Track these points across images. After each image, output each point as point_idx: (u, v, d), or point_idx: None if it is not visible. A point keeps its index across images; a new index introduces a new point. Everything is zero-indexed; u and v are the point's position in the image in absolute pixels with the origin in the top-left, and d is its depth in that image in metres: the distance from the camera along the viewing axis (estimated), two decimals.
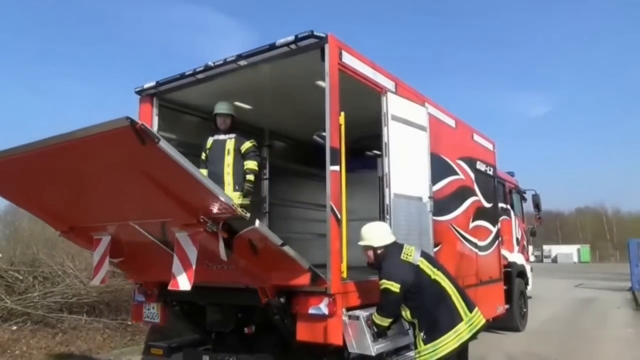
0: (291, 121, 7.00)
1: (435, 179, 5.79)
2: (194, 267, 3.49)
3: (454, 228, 6.47)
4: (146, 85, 5.60)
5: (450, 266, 4.99)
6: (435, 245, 5.58)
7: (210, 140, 5.65)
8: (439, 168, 6.08)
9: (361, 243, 4.31)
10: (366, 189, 7.67)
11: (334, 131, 4.42)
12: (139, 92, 5.70)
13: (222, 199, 3.35)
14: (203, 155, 5.66)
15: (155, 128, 5.64)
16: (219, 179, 5.41)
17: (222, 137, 5.60)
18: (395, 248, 4.20)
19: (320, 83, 5.01)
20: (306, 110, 6.18)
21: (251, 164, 5.45)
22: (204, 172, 5.60)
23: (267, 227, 7.12)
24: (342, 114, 4.52)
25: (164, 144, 3.06)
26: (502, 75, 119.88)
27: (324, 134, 4.54)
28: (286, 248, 3.92)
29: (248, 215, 3.50)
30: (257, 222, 3.60)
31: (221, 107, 5.62)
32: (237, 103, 6.21)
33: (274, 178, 7.40)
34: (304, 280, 4.14)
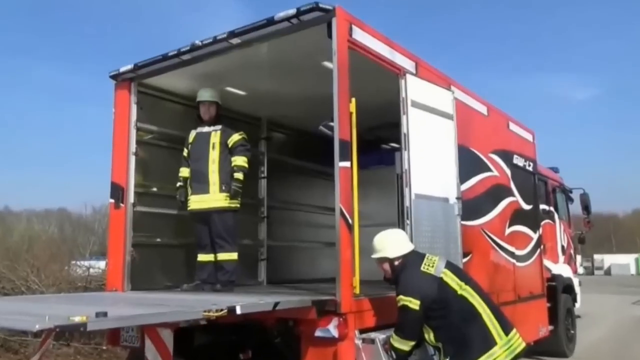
0: (293, 109, 7.03)
1: (464, 177, 5.79)
2: None
3: (487, 234, 6.46)
4: (122, 69, 5.64)
5: (482, 280, 5.00)
6: (465, 254, 5.58)
7: (193, 134, 5.71)
8: (469, 163, 6.07)
9: (375, 256, 4.31)
10: (382, 188, 7.69)
11: (343, 120, 4.44)
12: (114, 77, 5.76)
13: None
14: (185, 151, 5.73)
15: (133, 119, 5.71)
16: (203, 178, 5.48)
17: (206, 129, 5.66)
18: (414, 258, 4.20)
19: (327, 64, 5.02)
20: (310, 96, 6.20)
21: (240, 160, 5.50)
22: (186, 170, 5.67)
23: (266, 233, 7.39)
24: (353, 100, 4.53)
25: None
26: (539, 55, 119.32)
27: (331, 124, 4.55)
28: (283, 302, 3.99)
29: (224, 311, 3.52)
30: (239, 308, 3.63)
31: (204, 94, 5.68)
32: (229, 89, 6.26)
33: (273, 176, 7.45)
34: (308, 314, 4.18)
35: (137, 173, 5.72)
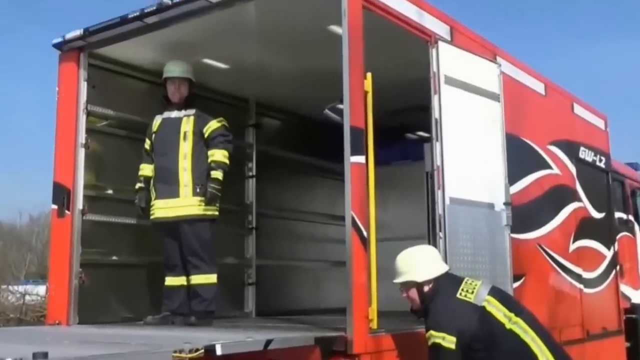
0: (290, 88, 7.05)
1: (514, 176, 5.80)
2: None
3: (545, 251, 6.47)
4: (69, 36, 5.68)
5: (539, 310, 4.97)
6: (516, 277, 5.60)
7: (158, 120, 5.73)
8: (521, 158, 6.08)
9: (398, 280, 4.32)
10: (407, 191, 7.71)
11: (355, 102, 4.45)
12: (58, 46, 5.80)
13: None
14: (147, 143, 5.75)
15: (82, 100, 5.75)
16: (170, 177, 5.49)
17: (175, 114, 5.68)
18: (449, 282, 4.21)
19: (335, 28, 5.04)
20: (313, 70, 6.21)
21: (219, 155, 5.52)
22: (148, 168, 5.70)
23: (254, 250, 7.41)
24: (369, 75, 4.54)
25: None
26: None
27: (340, 106, 4.57)
28: (277, 340, 4.00)
29: (200, 351, 3.54)
30: (219, 347, 3.64)
31: (173, 69, 5.69)
32: (207, 61, 6.29)
33: (265, 175, 7.47)
34: (310, 356, 4.19)
35: (88, 171, 5.75)
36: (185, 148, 5.52)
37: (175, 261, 5.54)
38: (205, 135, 5.56)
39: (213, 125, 5.58)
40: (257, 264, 7.28)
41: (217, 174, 5.47)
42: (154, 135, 5.69)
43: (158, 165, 5.61)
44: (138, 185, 5.73)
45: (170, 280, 5.59)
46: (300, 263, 8.04)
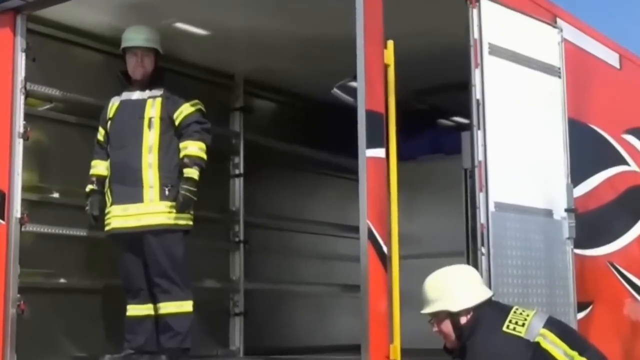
0: (287, 60, 7.10)
1: (579, 174, 5.82)
2: None
3: (619, 272, 6.48)
4: None
5: (610, 347, 4.95)
6: (581, 306, 5.61)
7: (114, 103, 5.74)
8: (588, 151, 6.10)
9: (428, 310, 4.33)
10: (439, 194, 7.72)
11: (373, 79, 4.48)
12: None
13: None
14: (101, 132, 5.78)
15: (19, 77, 5.76)
16: (132, 176, 5.46)
17: (137, 95, 5.70)
18: (492, 312, 4.21)
19: None
20: (317, 38, 6.26)
21: (193, 147, 5.53)
22: (103, 164, 5.73)
23: (242, 270, 7.35)
24: (390, 44, 4.58)
25: None
26: None
27: (353, 84, 4.62)
28: None
29: None
30: None
31: (133, 37, 5.70)
32: (180, 25, 6.33)
33: (255, 174, 7.53)
34: None
35: (28, 168, 5.80)
36: (151, 139, 5.56)
37: (139, 284, 5.55)
38: (176, 123, 5.59)
39: (186, 109, 5.61)
40: (246, 288, 7.33)
41: (192, 172, 5.48)
42: (109, 123, 5.72)
43: (115, 161, 5.62)
44: (89, 187, 5.75)
45: (134, 309, 5.61)
46: (301, 287, 8.08)
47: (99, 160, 5.77)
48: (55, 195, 6.11)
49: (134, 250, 5.53)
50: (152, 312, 5.57)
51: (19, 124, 5.75)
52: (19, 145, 5.74)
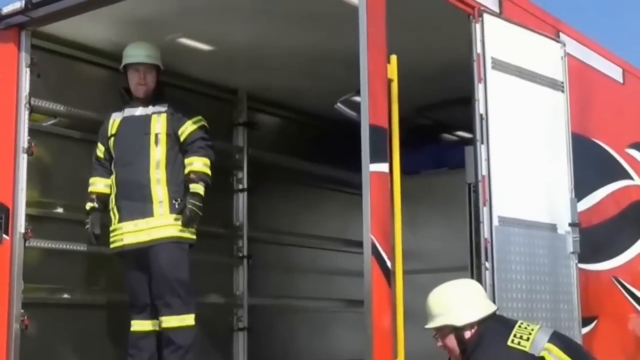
0: (290, 75, 7.11)
1: (583, 188, 5.82)
2: None
3: (624, 286, 6.47)
4: (7, 9, 5.69)
5: None
6: (586, 321, 5.60)
7: (116, 119, 5.72)
8: (592, 165, 6.10)
9: (431, 324, 4.32)
10: (443, 208, 7.71)
11: (376, 94, 4.48)
12: None
13: None
14: (101, 149, 5.74)
15: (23, 92, 5.78)
16: (140, 192, 5.44)
17: (140, 111, 5.70)
18: (496, 326, 4.20)
19: None
20: (320, 52, 6.27)
21: (198, 163, 5.55)
22: (103, 182, 5.70)
23: (246, 285, 7.36)
24: (394, 59, 4.59)
25: None
26: None
27: (357, 99, 4.61)
28: None
29: None
30: None
31: (135, 53, 5.70)
32: (184, 40, 6.35)
33: (259, 189, 7.53)
34: None
35: (32, 184, 5.80)
36: (158, 154, 5.56)
37: (145, 299, 5.53)
38: (181, 139, 5.61)
39: (190, 126, 5.62)
40: (250, 303, 7.31)
41: (198, 188, 5.51)
42: (112, 140, 5.70)
43: (121, 178, 5.59)
44: (89, 205, 5.75)
45: (138, 325, 5.59)
46: (305, 302, 8.06)
47: (98, 178, 5.76)
48: (59, 210, 6.11)
49: (140, 266, 5.51)
50: (156, 328, 5.56)
51: (24, 139, 5.77)
52: (23, 161, 5.75)
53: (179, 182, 5.56)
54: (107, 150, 5.73)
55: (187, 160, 5.58)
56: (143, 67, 5.69)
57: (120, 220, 5.55)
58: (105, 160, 5.75)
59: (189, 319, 5.50)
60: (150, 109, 5.68)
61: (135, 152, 5.60)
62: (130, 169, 5.59)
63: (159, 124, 5.62)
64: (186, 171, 5.57)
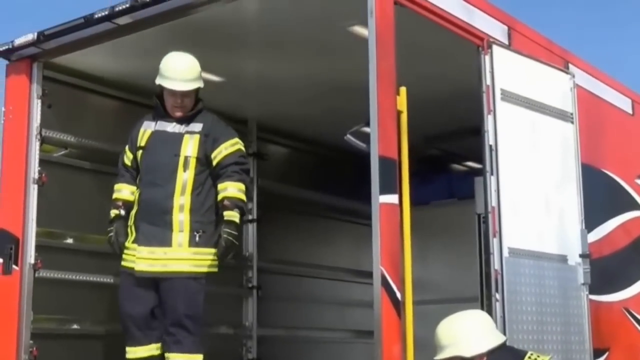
0: (301, 106, 7.12)
1: (593, 219, 5.80)
2: None
3: (635, 318, 6.43)
4: (19, 41, 5.74)
5: None
6: (597, 353, 5.56)
7: (146, 130, 5.38)
8: (602, 196, 6.08)
9: (441, 356, 4.29)
10: (453, 239, 7.68)
11: (386, 125, 4.47)
12: (4, 54, 5.88)
13: None
14: (129, 157, 5.46)
15: (34, 123, 5.81)
16: (161, 217, 5.02)
17: (172, 127, 5.32)
18: (506, 357, 4.16)
19: (359, 30, 5.11)
20: (331, 83, 6.28)
21: (233, 189, 5.17)
22: (129, 189, 5.38)
23: (255, 316, 7.34)
24: (403, 90, 4.60)
25: None
26: None
27: (366, 130, 4.61)
28: None
29: None
30: None
31: (172, 75, 5.24)
32: None
33: (268, 219, 7.51)
34: None
35: (42, 214, 5.79)
36: (185, 178, 5.21)
37: (140, 322, 5.23)
38: (214, 162, 5.25)
39: (225, 149, 5.26)
40: (259, 334, 7.28)
41: (233, 215, 5.17)
42: (141, 152, 5.37)
43: (144, 199, 5.25)
44: (114, 212, 5.38)
45: (134, 352, 5.29)
46: (315, 333, 8.01)
47: (125, 184, 5.45)
48: (69, 241, 6.09)
49: (149, 288, 5.21)
50: (154, 353, 5.25)
51: (34, 169, 5.79)
52: (33, 191, 5.76)
53: (203, 210, 5.24)
54: (135, 159, 5.42)
55: (220, 186, 5.23)
56: (181, 94, 5.32)
57: (135, 241, 5.24)
58: (132, 168, 5.44)
59: (197, 358, 5.20)
60: (183, 128, 5.33)
61: (161, 173, 5.26)
62: (155, 191, 5.23)
63: (190, 147, 5.26)
64: (219, 197, 5.23)
